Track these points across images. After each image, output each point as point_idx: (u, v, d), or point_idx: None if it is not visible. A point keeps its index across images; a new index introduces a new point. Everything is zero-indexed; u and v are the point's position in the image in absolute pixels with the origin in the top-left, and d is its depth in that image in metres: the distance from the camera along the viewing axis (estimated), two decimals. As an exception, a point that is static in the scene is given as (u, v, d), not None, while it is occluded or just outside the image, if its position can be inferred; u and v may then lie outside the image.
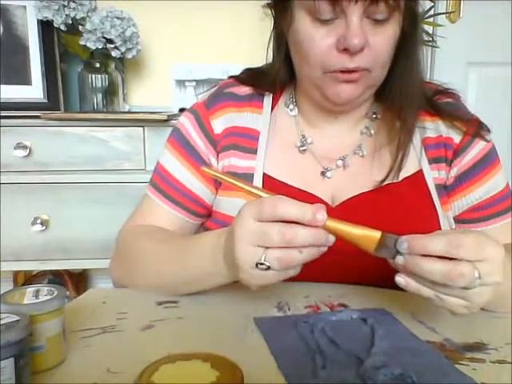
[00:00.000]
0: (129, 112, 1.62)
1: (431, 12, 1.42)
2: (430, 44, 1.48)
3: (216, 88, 0.79)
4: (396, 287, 0.65)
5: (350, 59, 0.62)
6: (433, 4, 1.44)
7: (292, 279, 0.68)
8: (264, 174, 0.72)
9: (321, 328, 0.52)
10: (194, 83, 1.65)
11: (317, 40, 0.63)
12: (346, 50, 0.61)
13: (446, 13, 1.79)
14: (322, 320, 0.54)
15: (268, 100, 0.77)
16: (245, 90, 0.77)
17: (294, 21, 0.65)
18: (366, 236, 0.48)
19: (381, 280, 0.67)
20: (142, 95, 1.76)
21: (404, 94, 0.70)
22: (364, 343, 0.49)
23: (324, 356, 0.46)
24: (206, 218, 0.77)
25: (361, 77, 0.64)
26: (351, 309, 0.59)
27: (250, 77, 0.79)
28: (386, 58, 0.65)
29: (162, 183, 0.75)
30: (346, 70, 0.63)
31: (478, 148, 0.71)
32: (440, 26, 1.58)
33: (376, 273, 0.68)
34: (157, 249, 0.67)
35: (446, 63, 1.87)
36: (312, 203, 0.71)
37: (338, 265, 0.69)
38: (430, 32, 1.50)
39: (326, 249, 0.49)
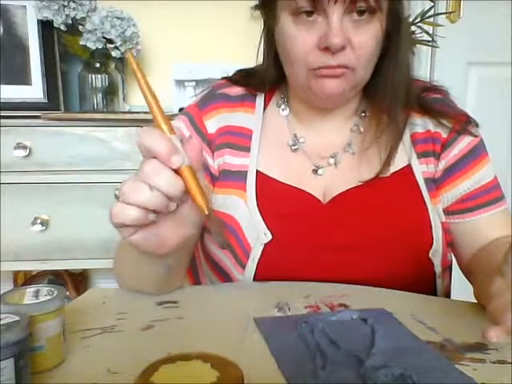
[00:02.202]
0: (129, 112, 1.62)
1: (431, 12, 1.42)
2: (430, 44, 1.48)
3: (209, 89, 0.80)
4: (395, 287, 0.66)
5: (332, 57, 0.63)
6: (433, 4, 1.44)
7: (292, 279, 0.68)
8: (257, 172, 0.73)
9: (321, 328, 0.52)
10: (194, 83, 1.64)
11: (299, 39, 0.64)
12: (327, 49, 0.62)
13: (446, 13, 1.79)
14: (322, 320, 0.54)
15: (260, 100, 0.78)
16: (237, 90, 0.78)
17: (279, 21, 0.66)
18: (197, 203, 0.47)
19: (380, 276, 0.67)
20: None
21: (389, 94, 0.70)
22: (364, 343, 0.49)
23: (324, 356, 0.46)
24: None
25: (343, 73, 0.64)
26: (351, 309, 0.59)
27: (242, 77, 0.80)
28: (369, 57, 0.65)
29: None
30: (328, 66, 0.63)
31: (465, 142, 0.72)
32: (440, 25, 1.58)
33: (376, 269, 0.69)
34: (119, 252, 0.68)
35: (446, 63, 1.87)
36: (304, 200, 0.72)
37: (337, 261, 0.69)
38: (430, 32, 1.49)
39: (174, 205, 0.48)
